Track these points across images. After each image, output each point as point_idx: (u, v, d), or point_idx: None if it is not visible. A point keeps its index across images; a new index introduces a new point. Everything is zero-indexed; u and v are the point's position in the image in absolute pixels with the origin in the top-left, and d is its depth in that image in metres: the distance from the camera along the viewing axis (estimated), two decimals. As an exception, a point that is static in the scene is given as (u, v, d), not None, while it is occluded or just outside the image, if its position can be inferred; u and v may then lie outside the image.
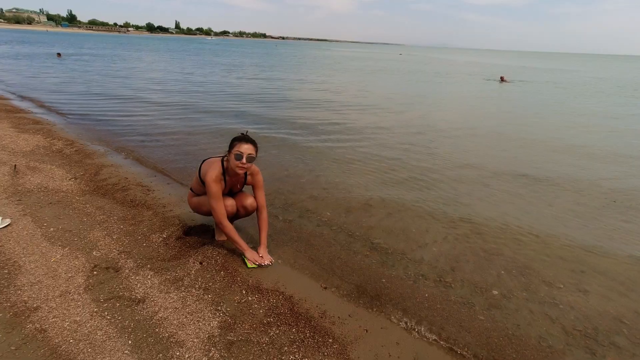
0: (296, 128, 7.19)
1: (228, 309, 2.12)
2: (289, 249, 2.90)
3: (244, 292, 2.28)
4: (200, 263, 2.52)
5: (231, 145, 2.56)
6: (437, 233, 3.39)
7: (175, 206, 3.40)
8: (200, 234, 2.97)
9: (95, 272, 2.32)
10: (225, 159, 2.64)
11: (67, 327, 1.87)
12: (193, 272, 2.43)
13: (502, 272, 2.88)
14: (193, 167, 4.55)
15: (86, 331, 1.86)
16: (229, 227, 2.59)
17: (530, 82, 20.88)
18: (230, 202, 2.72)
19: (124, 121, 6.85)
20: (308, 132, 6.92)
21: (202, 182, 2.63)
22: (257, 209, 2.82)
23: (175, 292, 2.21)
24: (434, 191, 4.33)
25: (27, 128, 5.60)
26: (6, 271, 2.24)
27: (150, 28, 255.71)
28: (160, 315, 2.01)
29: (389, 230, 3.40)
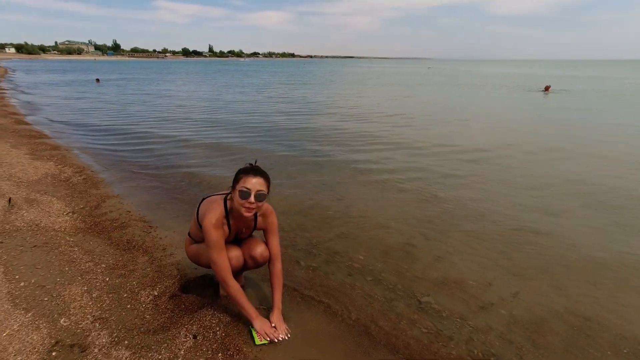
0: (321, 149, 6.59)
1: (221, 423, 1.47)
2: (312, 313, 2.23)
3: (247, 390, 1.63)
4: (194, 337, 1.90)
5: (236, 179, 1.96)
6: (504, 287, 2.59)
7: (177, 249, 2.84)
8: (200, 289, 2.37)
9: (54, 354, 1.75)
10: (228, 197, 2.05)
11: None
12: (182, 352, 1.81)
13: (609, 352, 2.05)
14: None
15: None
16: (234, 287, 1.98)
17: (576, 92, 19.29)
18: (236, 253, 2.11)
19: (142, 149, 6.52)
20: (335, 153, 6.29)
21: (201, 226, 2.05)
22: (269, 260, 2.19)
23: (152, 389, 1.60)
24: (492, 226, 3.53)
25: (42, 154, 5.36)
26: (-59, 352, 1.72)
27: (185, 53, 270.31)
28: None
29: (439, 282, 2.66)
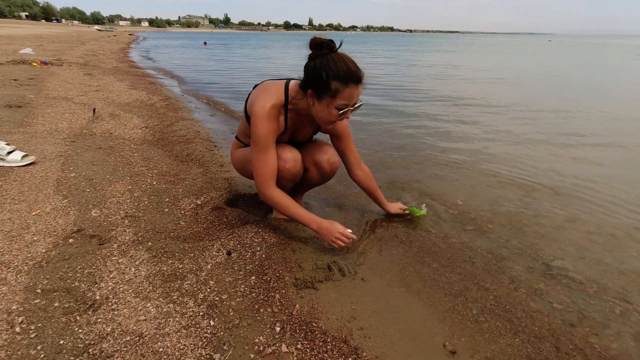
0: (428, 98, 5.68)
1: (233, 363, 0.99)
2: (389, 259, 1.62)
3: (278, 328, 1.12)
4: (228, 253, 1.46)
5: (326, 84, 1.30)
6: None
7: (236, 167, 2.46)
8: (250, 206, 1.94)
9: (70, 240, 1.48)
10: (290, 82, 1.50)
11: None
12: (209, 267, 1.38)
13: None
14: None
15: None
16: (278, 196, 1.48)
17: None
18: (293, 155, 1.58)
19: (225, 89, 6.47)
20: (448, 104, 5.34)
21: (248, 118, 1.54)
22: (350, 169, 1.73)
23: (159, 299, 1.19)
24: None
25: (139, 87, 5.60)
26: (-30, 219, 1.57)
27: (286, 26, 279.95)
28: (100, 347, 1.00)
29: (577, 245, 1.79)
